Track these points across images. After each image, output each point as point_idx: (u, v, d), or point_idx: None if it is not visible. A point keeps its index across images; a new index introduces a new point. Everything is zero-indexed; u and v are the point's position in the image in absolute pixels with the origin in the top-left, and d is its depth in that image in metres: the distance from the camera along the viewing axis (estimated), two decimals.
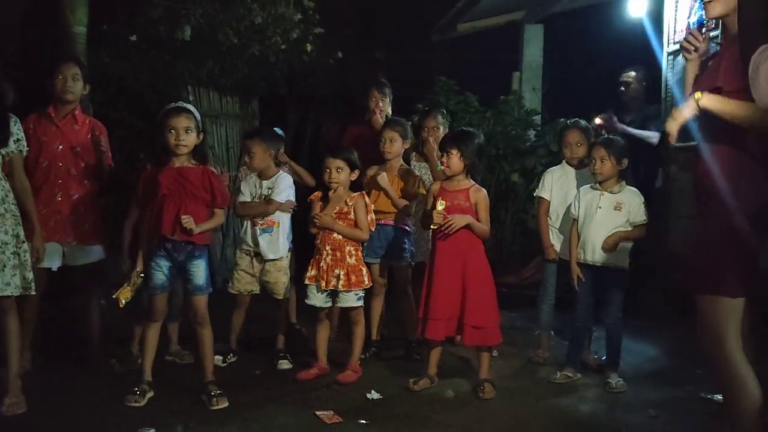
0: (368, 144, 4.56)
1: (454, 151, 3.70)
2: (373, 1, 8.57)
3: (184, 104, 3.62)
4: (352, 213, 3.85)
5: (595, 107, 6.03)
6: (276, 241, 4.13)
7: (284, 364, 4.03)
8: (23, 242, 3.28)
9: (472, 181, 3.79)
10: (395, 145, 4.28)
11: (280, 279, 4.13)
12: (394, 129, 4.30)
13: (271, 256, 4.10)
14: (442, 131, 4.61)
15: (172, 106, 3.55)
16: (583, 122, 4.44)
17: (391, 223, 4.27)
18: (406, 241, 4.29)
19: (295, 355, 4.13)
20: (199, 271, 3.45)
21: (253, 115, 7.48)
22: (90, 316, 3.92)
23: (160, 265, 3.45)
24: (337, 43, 7.55)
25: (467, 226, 3.68)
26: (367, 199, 3.93)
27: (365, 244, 4.05)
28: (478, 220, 3.72)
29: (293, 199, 4.24)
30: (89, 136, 3.89)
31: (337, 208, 3.84)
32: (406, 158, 4.59)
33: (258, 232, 4.09)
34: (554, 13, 7.78)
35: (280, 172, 4.23)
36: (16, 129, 3.32)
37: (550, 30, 7.95)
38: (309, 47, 7.00)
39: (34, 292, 3.34)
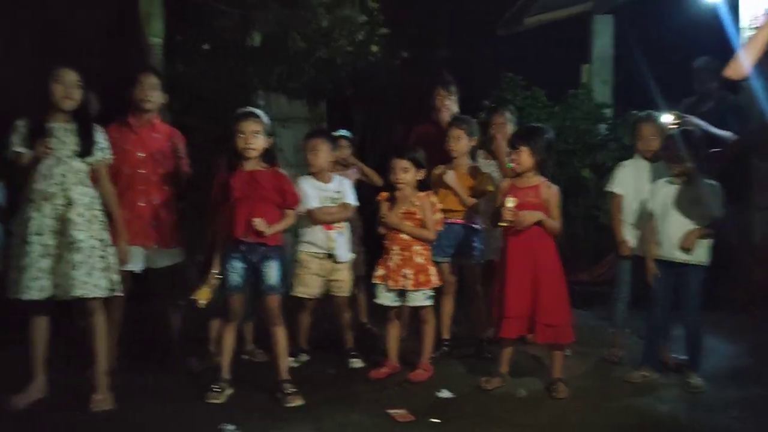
0: (435, 143, 4.56)
1: (524, 148, 3.67)
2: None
3: (253, 109, 3.72)
4: (419, 213, 3.87)
5: (670, 98, 5.85)
6: (347, 242, 4.19)
7: (356, 363, 4.09)
8: (109, 246, 3.45)
9: (543, 178, 3.75)
10: (461, 142, 4.27)
11: (348, 277, 4.18)
12: (460, 127, 4.29)
13: (344, 258, 4.15)
14: (509, 128, 4.58)
15: (241, 111, 3.66)
16: (657, 114, 4.32)
17: (460, 221, 4.27)
18: (475, 239, 4.28)
19: (366, 354, 4.18)
20: (272, 271, 3.55)
21: (321, 117, 7.60)
22: (170, 317, 4.09)
23: (235, 267, 3.56)
24: (402, 42, 7.59)
25: (538, 223, 3.65)
26: (434, 198, 3.94)
27: (434, 243, 4.05)
28: (549, 216, 3.68)
29: (350, 196, 4.26)
30: (168, 144, 4.05)
31: (404, 208, 3.87)
32: (474, 156, 4.57)
33: (334, 235, 4.12)
34: (624, 2, 7.58)
35: (336, 175, 4.25)
36: (101, 138, 3.50)
37: (621, 20, 7.75)
38: (374, 48, 7.06)
39: (120, 294, 3.51)
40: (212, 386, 3.50)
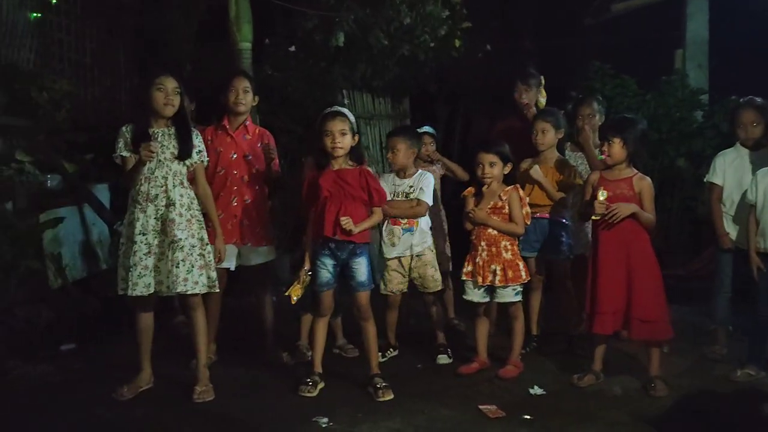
0: (520, 137, 4.51)
1: (616, 140, 3.57)
2: None
3: (339, 108, 3.78)
4: (507, 207, 3.83)
5: None
6: (418, 239, 4.11)
7: (444, 359, 4.09)
8: (207, 244, 3.60)
9: (635, 170, 3.64)
10: (548, 135, 4.19)
11: (428, 272, 4.13)
12: (546, 119, 4.21)
13: (415, 251, 4.10)
14: (598, 119, 4.46)
15: (327, 111, 3.73)
16: (758, 100, 4.10)
17: (547, 216, 4.19)
18: (563, 234, 4.19)
19: (454, 350, 4.18)
20: (361, 268, 3.61)
21: (405, 114, 7.64)
22: (263, 312, 4.21)
23: (325, 264, 3.63)
24: (485, 36, 7.52)
25: (632, 216, 3.54)
26: (521, 192, 3.89)
27: (521, 238, 4.00)
28: (642, 209, 3.57)
29: (428, 191, 4.19)
30: (259, 145, 4.16)
31: (491, 203, 3.84)
32: (560, 149, 4.48)
33: (400, 231, 4.10)
34: None
35: (420, 170, 4.23)
36: (198, 141, 3.65)
37: (716, 1, 7.38)
38: (457, 43, 7.03)
39: (218, 290, 3.66)
40: (305, 380, 3.59)
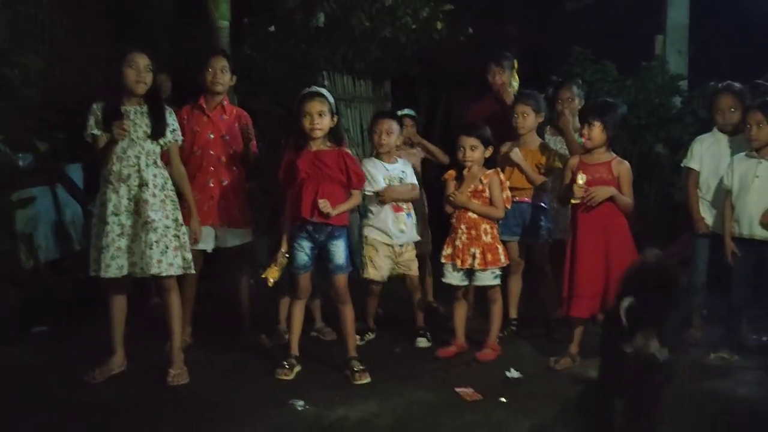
0: (496, 118, 4.50)
1: (597, 123, 3.57)
2: None
3: (318, 89, 3.73)
4: (487, 191, 3.81)
5: (750, 68, 5.56)
6: (414, 223, 4.16)
7: (423, 342, 4.08)
8: (182, 225, 3.54)
9: (614, 154, 3.64)
10: (528, 119, 4.18)
11: (414, 257, 4.15)
12: (526, 103, 4.19)
13: (412, 238, 4.13)
14: (577, 103, 4.46)
15: (305, 91, 3.67)
16: (736, 85, 4.11)
17: (527, 200, 4.19)
18: (542, 218, 4.20)
19: (433, 333, 4.17)
20: (339, 251, 3.57)
21: (386, 96, 7.56)
22: (240, 295, 4.17)
23: (303, 246, 3.59)
24: (468, 18, 7.46)
25: (610, 199, 3.55)
26: (501, 176, 3.88)
27: (501, 222, 4.00)
28: (620, 193, 3.57)
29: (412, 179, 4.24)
30: (236, 125, 4.10)
31: (472, 186, 3.82)
32: (540, 132, 4.47)
33: (403, 217, 4.08)
34: None
35: (400, 157, 4.22)
36: (172, 120, 3.58)
37: None
38: (439, 25, 6.97)
39: (193, 272, 3.61)
40: (282, 363, 3.57)
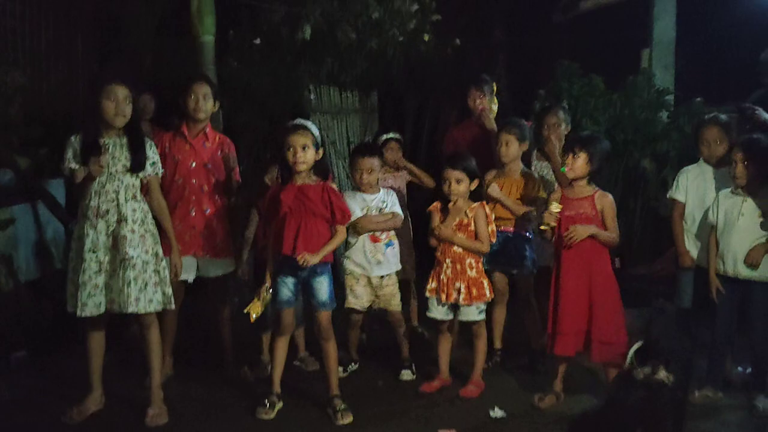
0: (479, 145, 4.48)
1: (582, 154, 3.54)
2: None
3: (302, 121, 3.67)
4: (473, 224, 3.78)
5: (736, 83, 5.56)
6: (398, 252, 4.13)
7: (406, 375, 4.05)
8: (162, 259, 3.49)
9: (596, 187, 3.62)
10: (511, 148, 4.14)
11: (396, 291, 4.11)
12: (510, 131, 4.15)
13: (394, 269, 4.10)
14: (563, 128, 4.43)
15: (290, 124, 3.62)
16: (723, 117, 4.09)
17: (511, 229, 4.16)
18: (527, 248, 4.17)
19: (417, 361, 4.13)
20: (323, 287, 3.53)
21: (373, 108, 7.51)
22: (222, 326, 4.12)
23: (286, 282, 3.55)
24: (455, 30, 7.42)
25: (593, 236, 3.53)
26: (487, 209, 3.85)
27: (488, 253, 3.97)
28: (604, 227, 3.55)
29: (397, 208, 4.17)
30: (219, 153, 4.03)
31: (457, 219, 3.79)
32: (527, 156, 4.44)
33: (383, 247, 4.03)
34: None
35: (381, 188, 4.17)
36: (152, 152, 3.51)
37: (684, 2, 7.38)
38: (426, 37, 6.93)
39: (173, 307, 3.56)
40: (263, 401, 3.53)
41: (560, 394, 3.68)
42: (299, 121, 3.69)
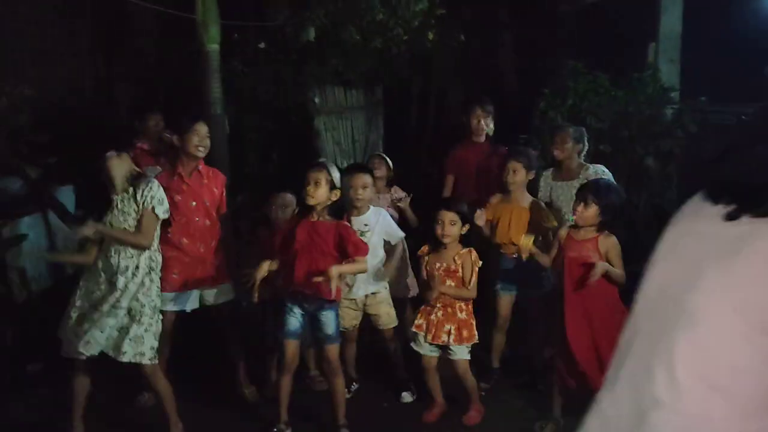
0: (480, 165, 4.57)
1: (593, 205, 3.49)
2: None
3: (322, 160, 3.63)
4: (460, 270, 3.78)
5: (742, 79, 5.52)
6: (368, 278, 4.04)
7: (407, 397, 4.14)
8: (157, 311, 3.56)
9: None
10: (518, 175, 4.17)
11: (383, 310, 4.11)
12: (518, 159, 4.18)
13: (377, 287, 4.08)
14: (571, 146, 4.44)
15: (311, 162, 3.67)
16: None
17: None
18: (543, 269, 4.08)
19: (417, 378, 4.11)
20: (329, 321, 3.60)
21: (378, 103, 7.52)
22: (233, 349, 4.21)
23: (294, 311, 3.63)
24: (459, 25, 7.38)
25: (603, 275, 3.46)
26: (474, 255, 3.81)
27: (501, 276, 4.13)
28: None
29: (398, 233, 4.15)
30: (214, 187, 4.06)
31: (445, 265, 3.79)
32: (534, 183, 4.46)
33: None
34: None
35: (372, 207, 4.11)
36: (160, 194, 3.55)
37: None
38: (431, 35, 6.90)
39: (156, 362, 3.54)
40: (272, 429, 3.65)
41: (560, 420, 3.73)
42: (323, 160, 3.68)
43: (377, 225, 4.06)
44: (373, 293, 4.09)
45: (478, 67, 7.67)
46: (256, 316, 4.14)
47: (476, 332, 3.83)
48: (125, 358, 3.39)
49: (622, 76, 6.80)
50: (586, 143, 4.59)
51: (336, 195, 3.57)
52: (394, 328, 4.20)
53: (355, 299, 4.06)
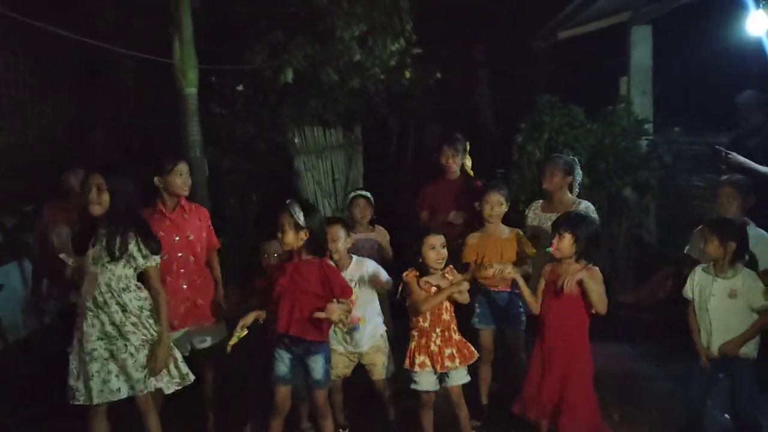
0: (451, 201, 4.70)
1: (567, 235, 3.58)
2: (471, 13, 8.39)
3: (288, 203, 3.52)
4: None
5: (711, 109, 5.65)
6: (365, 333, 4.01)
7: None
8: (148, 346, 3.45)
9: (584, 262, 3.64)
10: (501, 208, 4.19)
11: (378, 360, 4.05)
12: (500, 192, 4.20)
13: (365, 348, 4.03)
14: (560, 177, 4.46)
15: (280, 204, 3.62)
16: (737, 177, 4.09)
17: (507, 288, 4.18)
18: (521, 305, 4.16)
19: (406, 417, 4.07)
20: (318, 366, 3.54)
21: (357, 141, 7.59)
22: (208, 388, 4.11)
23: (282, 356, 3.57)
24: (436, 63, 7.50)
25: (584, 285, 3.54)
26: (457, 275, 3.85)
27: (479, 311, 4.12)
28: (592, 299, 3.57)
29: (383, 275, 4.06)
30: (198, 222, 4.03)
31: (435, 282, 3.77)
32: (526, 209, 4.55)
33: (350, 332, 3.94)
34: (664, 13, 7.32)
35: (354, 258, 4.03)
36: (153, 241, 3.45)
37: (660, 30, 7.49)
38: (407, 74, 7.00)
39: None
40: None
41: None
42: (289, 201, 3.61)
43: (360, 279, 3.97)
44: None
45: (455, 104, 7.76)
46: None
47: (473, 349, 3.83)
48: (122, 395, 3.34)
49: (597, 109, 6.93)
50: (578, 175, 4.59)
51: (305, 235, 3.49)
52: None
53: (346, 349, 4.01)
